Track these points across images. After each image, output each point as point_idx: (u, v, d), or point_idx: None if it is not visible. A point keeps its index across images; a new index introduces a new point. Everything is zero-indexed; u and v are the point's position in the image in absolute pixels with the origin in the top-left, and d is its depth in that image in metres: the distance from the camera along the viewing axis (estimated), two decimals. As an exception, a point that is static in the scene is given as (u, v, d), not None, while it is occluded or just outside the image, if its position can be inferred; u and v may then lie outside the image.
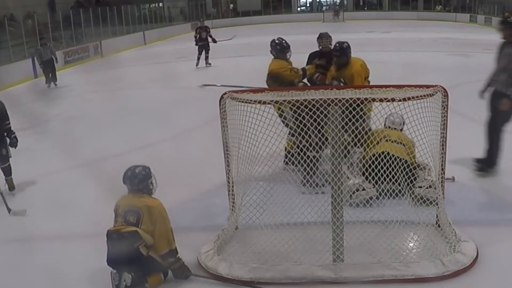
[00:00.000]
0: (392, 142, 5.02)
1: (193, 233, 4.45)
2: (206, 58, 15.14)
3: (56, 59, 13.56)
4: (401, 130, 5.38)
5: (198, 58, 15.07)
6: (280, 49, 5.89)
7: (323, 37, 6.40)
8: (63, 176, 6.21)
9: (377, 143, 4.90)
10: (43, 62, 13.25)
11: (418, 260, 3.71)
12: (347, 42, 5.92)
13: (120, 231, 3.61)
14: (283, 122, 5.11)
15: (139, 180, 3.74)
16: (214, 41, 15.22)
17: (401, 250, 3.78)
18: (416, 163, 4.87)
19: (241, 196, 4.17)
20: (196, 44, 15.12)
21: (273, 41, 5.99)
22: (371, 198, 4.69)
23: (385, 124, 5.32)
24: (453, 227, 4.04)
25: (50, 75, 13.34)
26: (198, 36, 15.11)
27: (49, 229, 4.77)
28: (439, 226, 4.19)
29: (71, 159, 6.49)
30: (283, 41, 5.96)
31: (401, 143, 5.02)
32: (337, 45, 5.94)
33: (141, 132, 8.29)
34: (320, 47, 6.36)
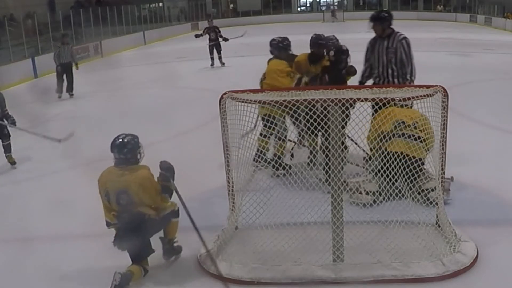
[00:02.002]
0: (407, 137, 4.83)
1: (193, 233, 4.44)
2: (220, 58, 14.93)
3: (76, 64, 11.65)
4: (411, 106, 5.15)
5: (212, 58, 14.84)
6: (283, 47, 5.79)
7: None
8: (63, 176, 6.21)
9: (394, 135, 4.84)
10: (61, 65, 11.45)
11: (418, 260, 3.71)
12: (323, 34, 5.83)
13: (128, 210, 3.64)
14: (267, 125, 5.03)
15: (128, 149, 3.63)
16: (225, 39, 14.78)
17: (401, 250, 3.77)
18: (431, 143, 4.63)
19: (241, 196, 4.17)
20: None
21: (274, 39, 5.88)
22: (367, 203, 4.70)
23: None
24: (453, 227, 4.04)
25: (66, 82, 11.59)
26: (205, 35, 14.85)
27: (49, 229, 4.77)
28: (439, 226, 4.19)
29: (71, 159, 6.49)
30: (285, 40, 5.84)
31: (419, 138, 4.78)
32: (314, 36, 5.77)
33: (141, 132, 8.21)
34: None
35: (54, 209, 5.02)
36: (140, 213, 3.68)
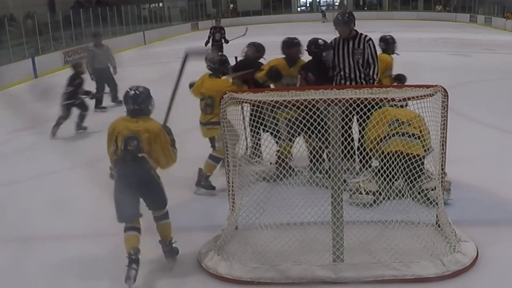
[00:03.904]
0: (404, 135, 4.87)
1: (193, 233, 4.45)
2: None
3: (115, 68, 9.85)
4: (405, 106, 5.18)
5: None
6: (218, 67, 5.45)
7: (250, 45, 6.03)
8: (63, 176, 6.21)
9: (391, 136, 4.86)
10: (95, 71, 9.56)
11: (418, 260, 3.71)
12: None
13: (133, 153, 3.63)
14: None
15: (142, 99, 3.72)
16: (226, 41, 14.07)
17: (401, 250, 3.77)
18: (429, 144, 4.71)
19: (241, 196, 4.17)
20: (205, 44, 14.14)
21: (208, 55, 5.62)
22: (367, 203, 4.70)
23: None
24: (453, 227, 4.04)
25: (109, 90, 9.86)
26: (212, 36, 14.30)
27: (49, 229, 4.77)
28: (439, 226, 4.19)
29: (71, 159, 6.49)
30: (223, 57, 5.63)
31: (414, 135, 4.83)
32: (288, 39, 5.71)
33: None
34: (244, 55, 6.01)
35: (53, 209, 5.02)
36: (145, 159, 3.64)
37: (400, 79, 6.27)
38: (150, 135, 3.65)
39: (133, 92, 3.73)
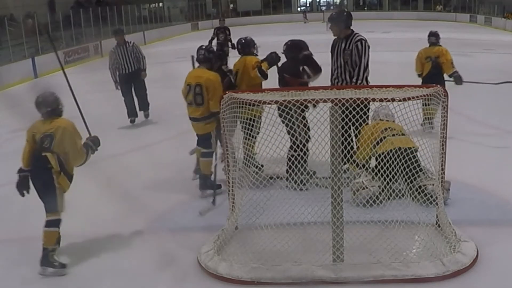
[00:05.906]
0: (395, 135, 4.94)
1: (193, 233, 4.45)
2: (226, 63, 12.99)
3: (144, 70, 8.26)
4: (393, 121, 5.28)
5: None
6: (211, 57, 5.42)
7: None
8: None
9: (382, 139, 4.90)
10: (121, 77, 8.18)
11: (418, 260, 3.71)
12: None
13: (45, 151, 3.96)
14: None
15: (52, 101, 4.09)
16: (233, 46, 12.26)
17: (401, 250, 3.78)
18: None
19: (241, 196, 4.17)
20: (211, 41, 12.60)
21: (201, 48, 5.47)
22: (372, 197, 4.68)
23: (378, 118, 5.33)
24: (453, 227, 4.04)
25: (137, 98, 8.43)
26: (215, 37, 13.10)
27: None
28: (439, 226, 4.19)
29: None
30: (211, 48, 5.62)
31: (405, 134, 4.93)
32: (245, 39, 5.80)
33: (141, 132, 8.29)
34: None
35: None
36: (47, 159, 3.93)
37: None
38: (62, 132, 3.97)
39: (41, 98, 4.11)
